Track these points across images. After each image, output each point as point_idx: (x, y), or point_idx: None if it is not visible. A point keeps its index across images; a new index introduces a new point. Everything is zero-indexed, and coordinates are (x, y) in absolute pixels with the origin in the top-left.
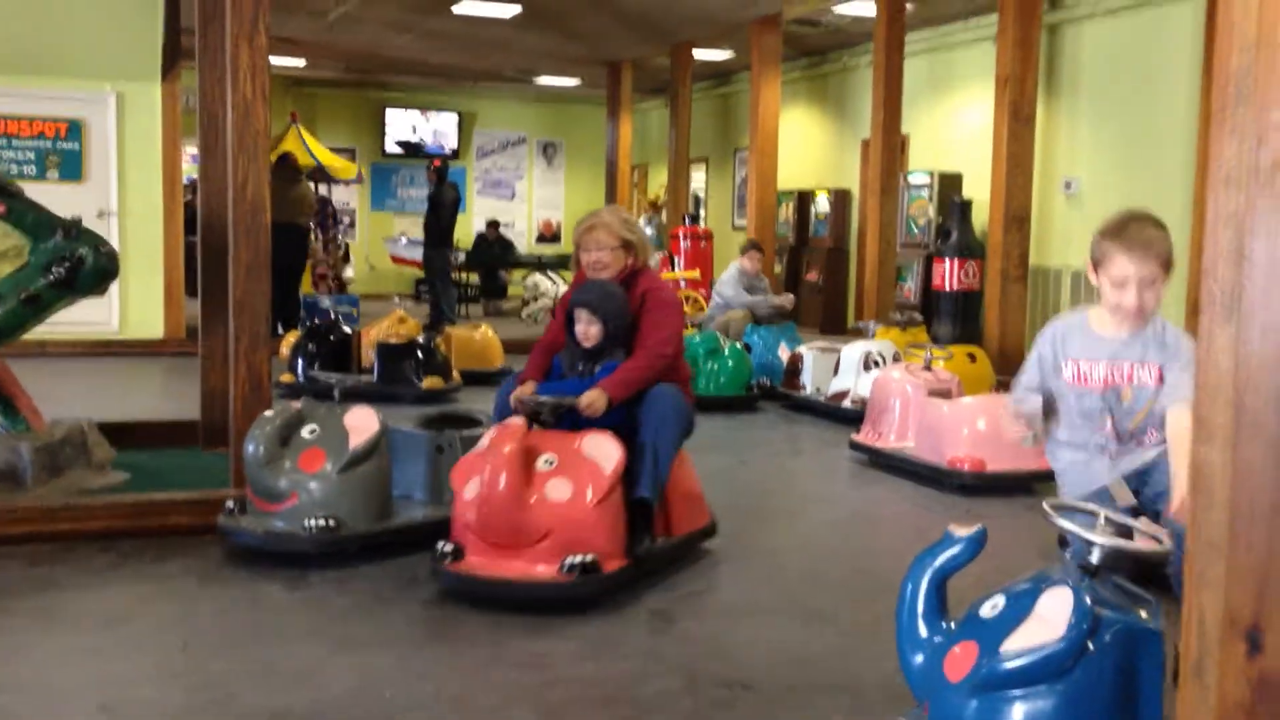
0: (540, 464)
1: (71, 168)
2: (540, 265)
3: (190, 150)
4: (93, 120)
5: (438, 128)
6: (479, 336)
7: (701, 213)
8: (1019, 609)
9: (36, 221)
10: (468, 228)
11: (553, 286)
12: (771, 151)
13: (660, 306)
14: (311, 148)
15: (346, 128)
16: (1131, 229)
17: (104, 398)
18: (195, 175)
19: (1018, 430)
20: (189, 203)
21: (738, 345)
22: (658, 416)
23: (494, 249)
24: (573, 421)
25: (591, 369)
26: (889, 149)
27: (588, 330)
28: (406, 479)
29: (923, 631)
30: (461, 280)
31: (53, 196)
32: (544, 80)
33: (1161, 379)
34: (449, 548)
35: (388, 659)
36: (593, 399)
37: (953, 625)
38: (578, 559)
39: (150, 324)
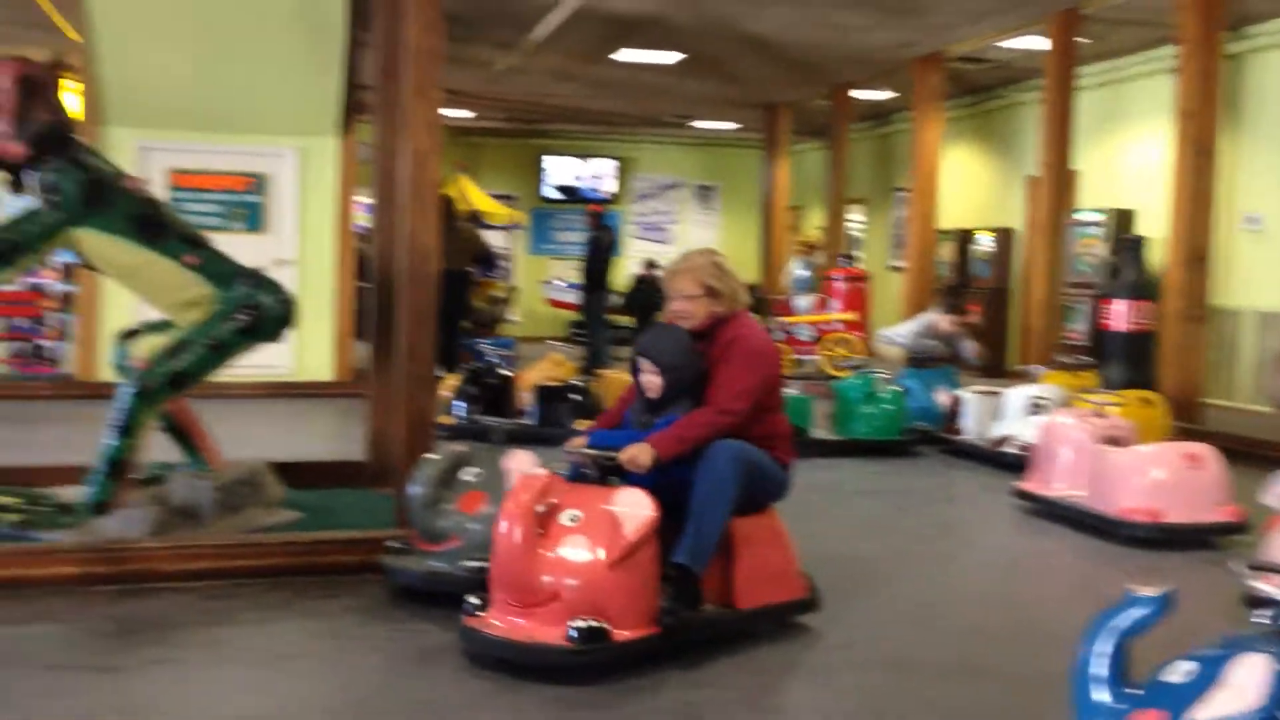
0: (564, 519)
1: (254, 219)
2: None
3: (362, 200)
4: (275, 174)
5: (596, 173)
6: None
7: (857, 254)
8: (1207, 676)
9: (223, 271)
10: (623, 272)
11: None
12: (932, 190)
13: (741, 357)
14: (469, 194)
15: (508, 174)
16: None
17: (277, 438)
18: (365, 224)
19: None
20: (359, 250)
21: (895, 388)
22: (709, 476)
23: (651, 290)
24: (625, 478)
25: (652, 421)
26: (1057, 186)
27: (649, 380)
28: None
29: (1102, 697)
30: (613, 323)
31: (236, 247)
32: (701, 124)
33: None
34: (477, 600)
35: (543, 698)
36: (634, 454)
37: (1135, 691)
38: (584, 624)
39: (321, 367)
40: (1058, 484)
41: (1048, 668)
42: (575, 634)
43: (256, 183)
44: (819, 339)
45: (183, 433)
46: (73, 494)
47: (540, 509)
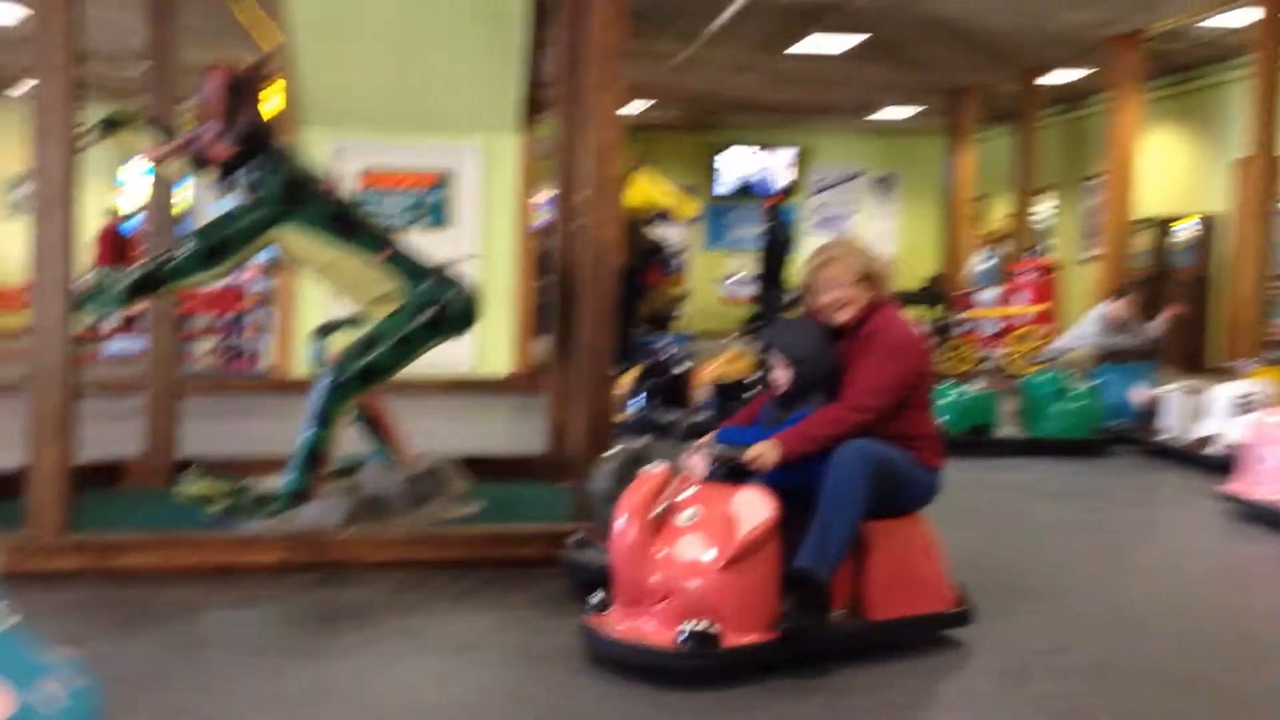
0: (682, 518)
1: (438, 216)
2: None
3: (541, 198)
4: (458, 171)
5: (772, 165)
6: None
7: (1046, 244)
8: None
9: (412, 268)
10: (801, 265)
11: None
12: (1128, 176)
13: (880, 350)
14: (648, 188)
15: (683, 168)
16: None
17: (458, 432)
18: (543, 220)
19: None
20: (538, 247)
21: (1088, 385)
22: (838, 476)
23: None
24: (753, 477)
25: (783, 418)
26: (1268, 169)
27: (778, 375)
28: None
29: None
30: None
31: (422, 244)
32: (882, 113)
33: None
34: (598, 597)
35: (722, 696)
36: (760, 452)
37: None
38: (695, 626)
39: (501, 362)
40: (1267, 487)
41: (1261, 680)
42: (685, 637)
43: (441, 180)
44: (1004, 333)
45: (373, 426)
46: (272, 484)
47: (662, 507)
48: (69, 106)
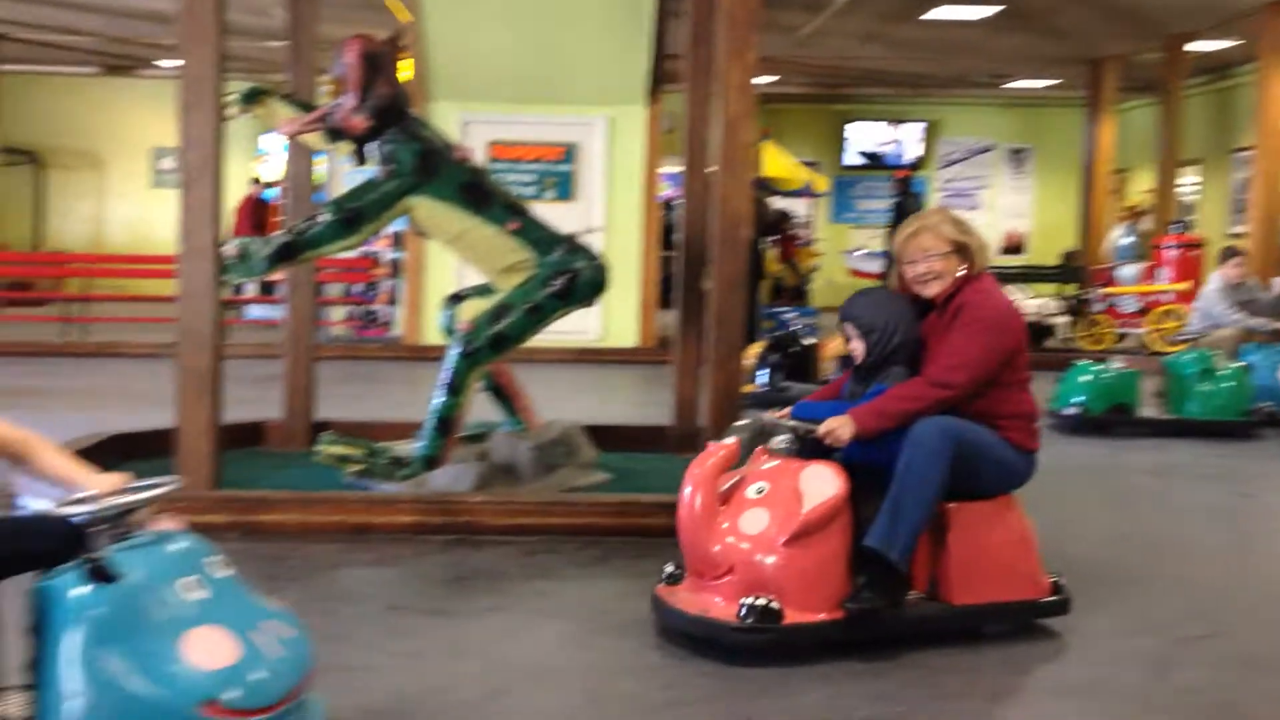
0: (749, 491)
1: (564, 188)
2: (1005, 277)
3: (666, 170)
4: (585, 143)
5: (901, 138)
6: None
7: (1190, 219)
8: None
9: (542, 238)
10: None
11: (1022, 299)
12: (1278, 150)
13: (967, 325)
14: (771, 160)
15: (809, 141)
16: None
17: (585, 401)
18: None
19: None
20: (663, 218)
21: (1237, 365)
22: (913, 454)
23: None
24: (829, 453)
25: (860, 391)
26: None
27: (854, 346)
28: None
29: None
30: None
31: (547, 215)
32: (1016, 83)
33: None
34: (671, 568)
35: (860, 678)
36: (833, 426)
37: None
38: (756, 601)
39: (626, 333)
40: None
41: None
42: (745, 612)
43: (567, 152)
44: (1145, 311)
45: (503, 394)
46: (406, 449)
47: (735, 479)
48: (215, 79)
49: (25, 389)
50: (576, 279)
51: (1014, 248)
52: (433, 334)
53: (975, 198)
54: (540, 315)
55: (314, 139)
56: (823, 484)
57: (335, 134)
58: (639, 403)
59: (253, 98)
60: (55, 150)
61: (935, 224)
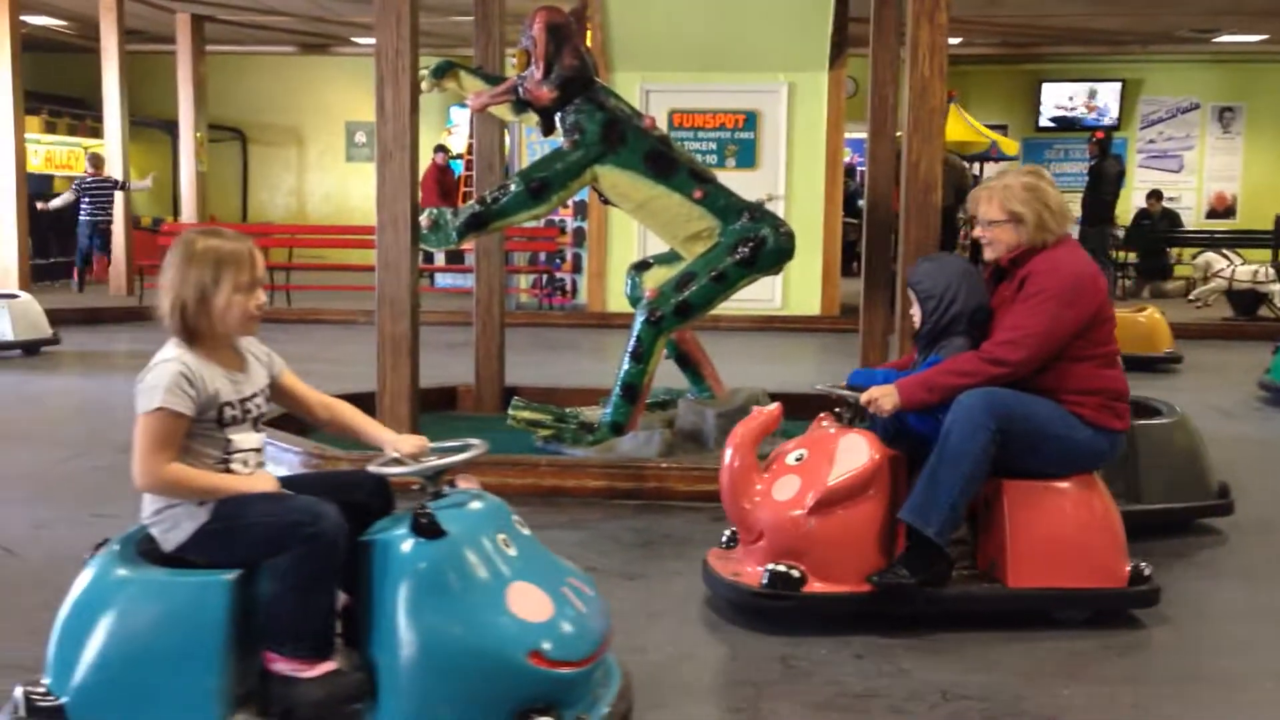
0: (789, 458)
1: (746, 156)
2: (1213, 242)
3: (848, 136)
4: (766, 110)
5: (1096, 98)
6: (1144, 319)
7: None
8: None
9: (726, 205)
10: (1127, 203)
11: (1228, 266)
12: None
13: (1031, 298)
14: (958, 124)
15: (999, 104)
16: None
17: (768, 369)
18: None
19: None
20: (844, 185)
21: None
22: (952, 428)
23: (1157, 224)
24: (875, 422)
25: (922, 360)
26: None
27: (913, 312)
28: None
29: None
30: (1118, 259)
31: (729, 183)
32: (1224, 38)
33: None
34: (729, 533)
35: (1060, 652)
36: (875, 395)
37: None
38: (778, 568)
39: (808, 301)
40: None
41: None
42: (768, 578)
43: (748, 119)
44: None
45: (689, 361)
46: (593, 415)
47: (780, 447)
48: (410, 55)
49: None
50: (762, 246)
51: (1222, 211)
52: (616, 301)
53: (1179, 159)
54: (725, 283)
55: (502, 111)
56: (855, 454)
57: (522, 105)
58: (821, 371)
59: (443, 72)
60: (258, 127)
61: (996, 189)
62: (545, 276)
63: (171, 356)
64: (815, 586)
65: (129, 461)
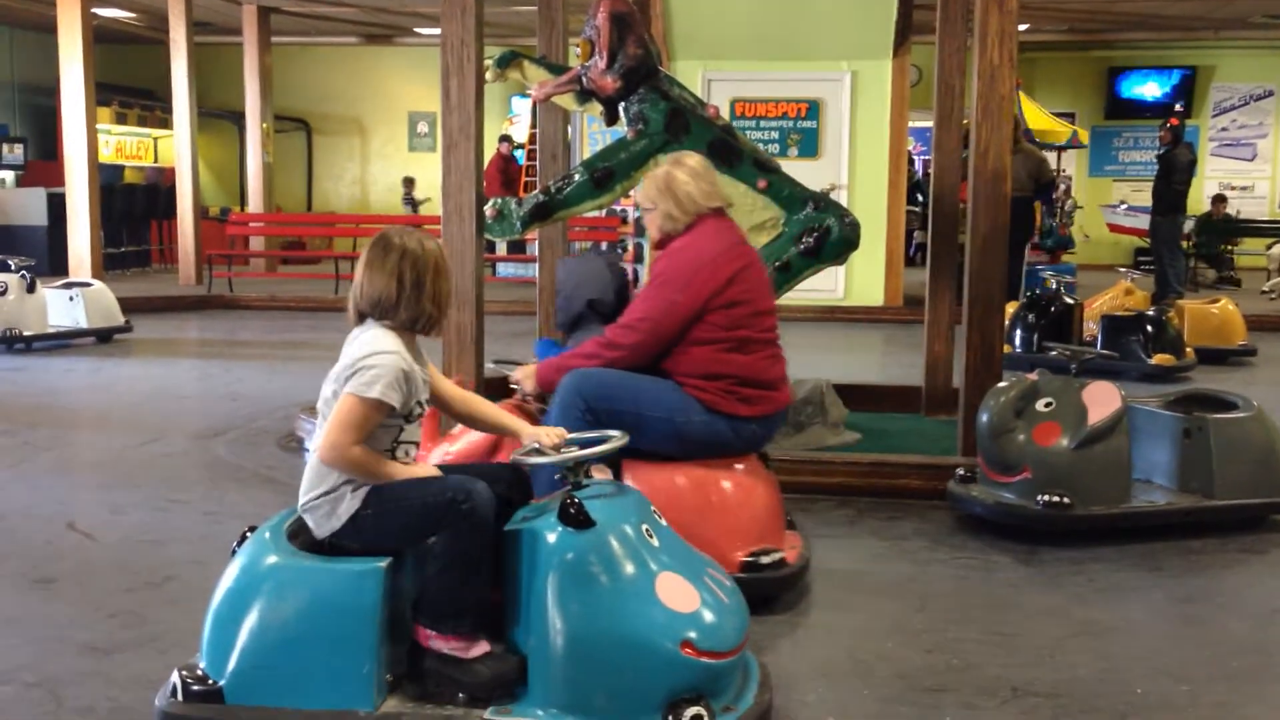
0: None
1: (809, 145)
2: None
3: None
4: (828, 99)
5: (1167, 85)
6: (1217, 311)
7: None
8: None
9: (791, 195)
10: (1199, 192)
11: None
12: None
13: (649, 283)
14: (1025, 112)
15: (1066, 91)
16: None
17: (831, 360)
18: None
19: None
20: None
21: None
22: (553, 408)
23: (1218, 226)
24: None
25: (567, 345)
26: None
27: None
28: (1147, 462)
29: None
30: (1188, 250)
31: (792, 172)
32: None
33: None
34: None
35: (1134, 650)
36: (518, 376)
37: None
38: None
39: (871, 292)
40: None
41: None
42: None
43: (811, 108)
44: None
45: None
46: None
47: None
48: (476, 45)
49: (303, 342)
50: (827, 237)
51: None
52: None
53: (1252, 147)
54: (790, 273)
55: (566, 100)
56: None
57: (586, 95)
58: (884, 362)
59: (507, 62)
60: (322, 117)
61: (648, 177)
62: None
63: (394, 350)
64: None
65: (201, 447)
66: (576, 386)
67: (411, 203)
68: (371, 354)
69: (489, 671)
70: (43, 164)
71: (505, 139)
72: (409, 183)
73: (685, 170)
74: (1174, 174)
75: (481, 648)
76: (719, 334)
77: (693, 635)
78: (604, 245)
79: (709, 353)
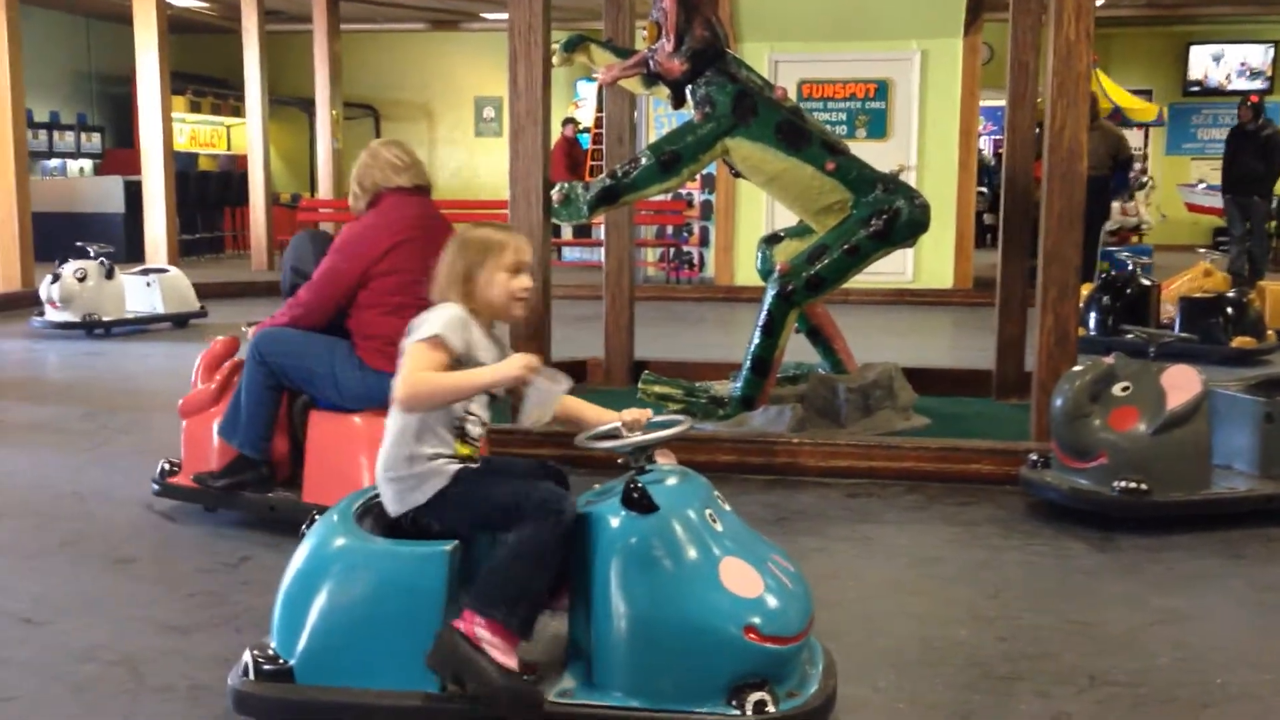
0: None
1: (877, 126)
2: None
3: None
4: (897, 79)
5: (1247, 61)
6: None
7: None
8: None
9: (859, 177)
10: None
11: None
12: None
13: (329, 252)
14: (1108, 90)
15: (1143, 68)
16: None
17: (899, 344)
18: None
19: None
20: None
21: None
22: (246, 364)
23: None
24: None
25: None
26: None
27: None
28: (1228, 447)
29: None
30: (1271, 231)
31: (860, 154)
32: None
33: None
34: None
35: (1213, 638)
36: (251, 335)
37: None
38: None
39: (941, 274)
40: None
41: None
42: None
43: (879, 89)
44: None
45: (820, 335)
46: (724, 389)
47: None
48: (543, 30)
49: None
50: (896, 219)
51: None
52: (743, 275)
53: None
54: (858, 256)
55: (633, 84)
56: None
57: (653, 78)
58: (954, 345)
59: (573, 46)
60: (390, 103)
61: (356, 163)
62: (672, 250)
63: (451, 310)
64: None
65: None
66: (256, 343)
67: None
68: (424, 315)
69: (502, 682)
70: (120, 152)
71: (570, 121)
72: None
73: (368, 153)
74: (1252, 152)
75: (512, 660)
76: (381, 299)
77: (756, 620)
78: None
79: (371, 315)
